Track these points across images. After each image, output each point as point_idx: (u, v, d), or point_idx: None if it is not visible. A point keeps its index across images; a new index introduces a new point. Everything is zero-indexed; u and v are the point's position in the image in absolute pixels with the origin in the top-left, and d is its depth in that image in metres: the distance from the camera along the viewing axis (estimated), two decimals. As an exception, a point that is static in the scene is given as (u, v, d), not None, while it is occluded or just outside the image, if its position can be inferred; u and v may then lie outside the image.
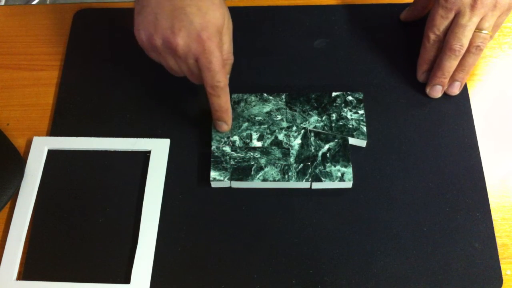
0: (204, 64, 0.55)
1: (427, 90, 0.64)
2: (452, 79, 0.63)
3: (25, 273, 0.56)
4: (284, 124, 0.62)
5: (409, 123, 0.63)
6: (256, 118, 0.62)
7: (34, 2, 1.53)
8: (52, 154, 0.63)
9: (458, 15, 0.60)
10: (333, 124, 0.62)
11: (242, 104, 0.63)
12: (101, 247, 0.57)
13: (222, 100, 0.59)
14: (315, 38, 0.69)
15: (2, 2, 1.57)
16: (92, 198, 0.60)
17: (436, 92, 0.64)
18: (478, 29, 0.60)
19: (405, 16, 0.69)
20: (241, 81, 0.66)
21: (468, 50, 0.61)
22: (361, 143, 0.61)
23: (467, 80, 0.65)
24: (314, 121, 0.62)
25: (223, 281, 0.55)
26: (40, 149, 0.62)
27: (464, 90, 0.65)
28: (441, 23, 0.62)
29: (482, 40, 0.61)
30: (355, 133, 0.61)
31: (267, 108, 0.63)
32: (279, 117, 0.62)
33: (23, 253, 0.57)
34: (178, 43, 0.54)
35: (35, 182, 0.61)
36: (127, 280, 0.56)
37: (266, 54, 0.68)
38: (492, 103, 0.65)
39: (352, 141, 0.61)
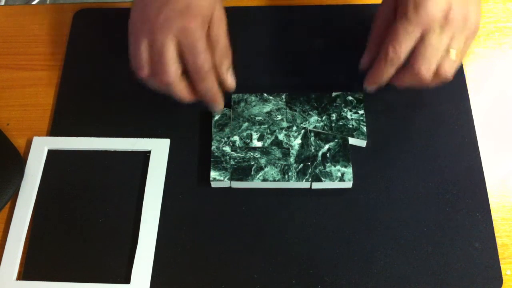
0: (187, 43, 0.52)
1: (367, 87, 0.59)
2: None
3: (25, 273, 0.56)
4: (284, 124, 0.62)
5: (409, 123, 0.63)
6: (256, 118, 0.62)
7: (34, 2, 1.53)
8: (52, 154, 0.63)
9: (427, 33, 0.52)
10: (333, 124, 0.62)
11: (242, 104, 0.63)
12: (101, 247, 0.57)
13: (208, 84, 0.55)
14: (315, 38, 0.69)
15: (2, 2, 1.57)
16: (92, 198, 0.60)
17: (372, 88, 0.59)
18: (448, 51, 0.53)
19: (365, 64, 0.60)
20: (241, 81, 0.66)
21: (434, 75, 0.54)
22: (361, 143, 0.61)
23: (467, 80, 0.65)
24: (314, 121, 0.62)
25: (223, 281, 0.55)
26: (40, 149, 0.62)
27: (464, 90, 0.65)
28: (405, 38, 0.53)
29: (452, 65, 0.54)
30: (355, 133, 0.61)
31: (267, 108, 0.63)
32: (279, 117, 0.62)
33: (23, 253, 0.57)
34: (159, 19, 0.52)
35: (35, 182, 0.61)
36: (127, 280, 0.56)
37: (266, 54, 0.68)
38: (492, 103, 0.65)
39: (352, 141, 0.61)
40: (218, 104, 0.59)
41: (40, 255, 0.57)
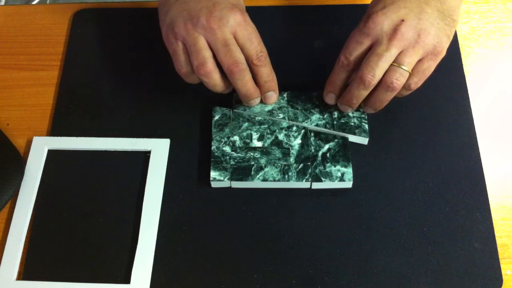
0: (245, 35, 0.57)
1: (325, 97, 0.62)
2: (365, 106, 0.61)
3: (25, 273, 0.56)
4: (284, 124, 0.62)
5: (409, 123, 0.63)
6: (257, 118, 0.62)
7: (34, 2, 1.53)
8: (52, 154, 0.63)
9: (375, 44, 0.55)
10: (335, 122, 0.62)
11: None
12: (101, 247, 0.57)
13: (269, 69, 0.59)
14: (315, 38, 0.69)
15: (2, 2, 1.57)
16: (92, 198, 0.60)
17: (345, 109, 0.61)
18: (397, 63, 0.55)
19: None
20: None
21: (380, 85, 0.56)
22: (363, 140, 0.61)
23: (467, 80, 0.65)
24: (316, 119, 0.62)
25: (223, 281, 0.55)
26: (40, 149, 0.62)
27: (464, 90, 0.65)
28: (355, 48, 0.57)
29: (399, 76, 0.55)
30: (357, 130, 0.61)
31: (268, 106, 0.63)
32: (281, 115, 0.62)
33: (23, 253, 0.57)
34: (213, 18, 0.56)
35: (35, 182, 0.61)
36: (127, 280, 0.56)
37: (267, 53, 0.68)
38: (492, 103, 0.65)
39: (353, 138, 0.61)
40: (276, 92, 0.62)
41: (40, 255, 0.57)
